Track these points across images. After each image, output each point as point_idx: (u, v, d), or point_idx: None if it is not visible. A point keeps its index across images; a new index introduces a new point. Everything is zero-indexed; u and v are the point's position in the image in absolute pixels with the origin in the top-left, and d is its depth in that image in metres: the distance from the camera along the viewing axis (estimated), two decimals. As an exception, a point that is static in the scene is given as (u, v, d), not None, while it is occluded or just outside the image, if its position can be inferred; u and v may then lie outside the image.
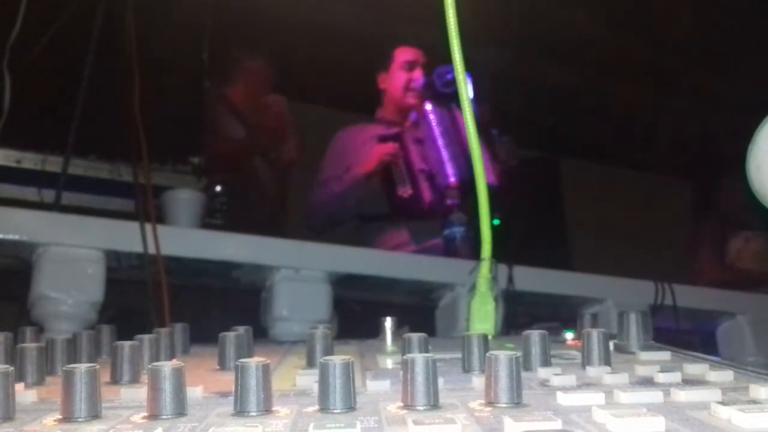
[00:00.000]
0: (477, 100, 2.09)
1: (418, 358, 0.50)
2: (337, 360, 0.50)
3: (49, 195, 1.92)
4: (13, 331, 0.82)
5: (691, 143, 3.98)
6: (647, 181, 4.58)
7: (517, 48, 3.41)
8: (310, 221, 2.43)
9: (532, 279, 1.85)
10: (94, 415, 0.50)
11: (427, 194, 2.21)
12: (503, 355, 0.50)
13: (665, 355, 0.74)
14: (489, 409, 0.49)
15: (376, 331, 1.01)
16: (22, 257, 1.52)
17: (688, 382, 0.59)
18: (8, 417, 0.49)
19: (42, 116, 1.93)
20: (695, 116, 3.87)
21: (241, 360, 0.51)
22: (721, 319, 2.17)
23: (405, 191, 2.20)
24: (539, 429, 0.40)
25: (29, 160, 2.03)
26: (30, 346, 0.68)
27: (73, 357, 0.75)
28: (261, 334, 1.64)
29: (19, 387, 0.59)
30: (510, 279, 1.75)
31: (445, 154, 2.19)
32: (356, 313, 1.86)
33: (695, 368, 0.64)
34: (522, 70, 3.59)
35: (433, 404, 0.50)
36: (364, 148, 2.33)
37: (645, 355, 0.74)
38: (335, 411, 0.50)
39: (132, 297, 1.68)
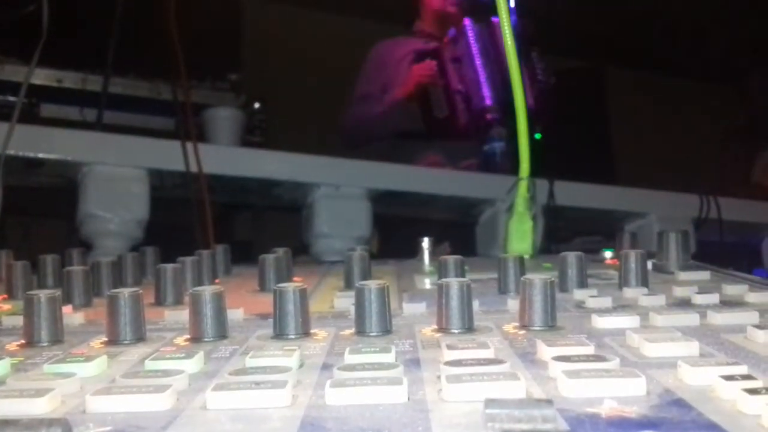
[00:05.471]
0: (518, 13, 2.03)
1: (453, 282, 0.51)
2: (372, 285, 0.51)
3: (90, 114, 1.95)
4: (62, 250, 0.85)
5: (742, 49, 3.82)
6: (697, 90, 4.45)
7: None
8: (346, 137, 2.40)
9: (573, 193, 1.83)
10: (139, 337, 0.51)
11: (463, 116, 2.18)
12: (537, 279, 0.50)
13: (704, 275, 0.74)
14: (523, 332, 0.50)
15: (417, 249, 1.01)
16: (68, 176, 1.55)
17: (726, 303, 0.59)
18: (57, 340, 0.51)
19: (81, 35, 1.93)
20: (747, 21, 3.71)
21: (279, 285, 0.51)
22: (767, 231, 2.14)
23: (441, 112, 2.18)
24: (571, 354, 0.41)
25: (70, 80, 2.04)
26: (77, 269, 0.70)
27: (118, 279, 0.77)
28: (303, 251, 1.66)
29: (67, 309, 0.61)
30: (551, 194, 1.73)
31: (482, 74, 2.15)
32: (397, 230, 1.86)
33: (734, 289, 0.63)
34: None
35: (468, 327, 0.51)
36: (402, 65, 2.28)
37: (683, 275, 0.74)
38: (371, 334, 0.51)
39: (177, 215, 1.71)
